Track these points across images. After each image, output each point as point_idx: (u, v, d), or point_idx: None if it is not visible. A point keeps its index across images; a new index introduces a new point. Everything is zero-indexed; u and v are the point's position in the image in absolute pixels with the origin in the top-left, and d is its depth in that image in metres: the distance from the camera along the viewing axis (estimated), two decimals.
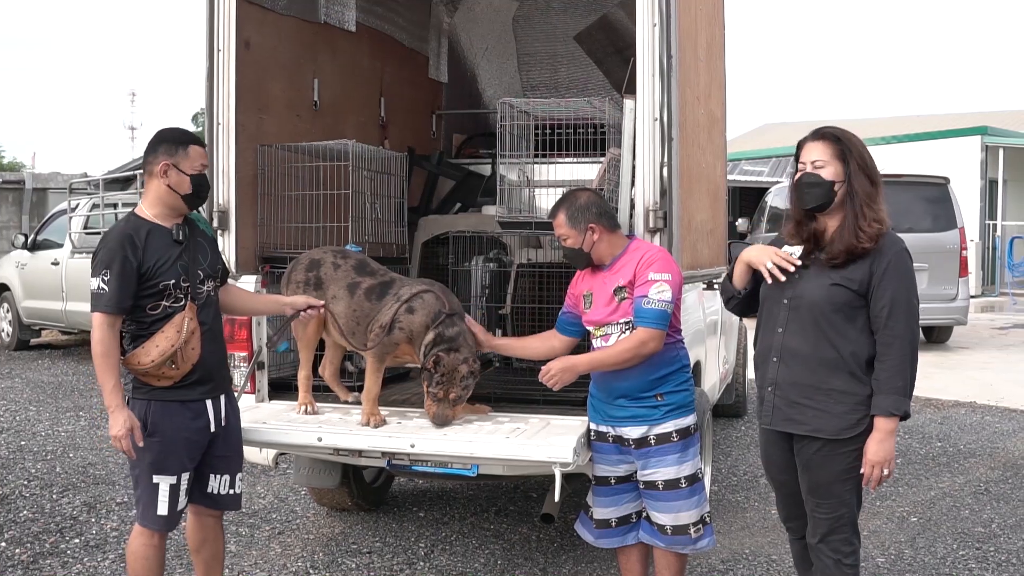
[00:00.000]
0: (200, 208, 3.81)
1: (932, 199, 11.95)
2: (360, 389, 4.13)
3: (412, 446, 3.75)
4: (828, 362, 3.15)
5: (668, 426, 3.56)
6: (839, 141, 3.19)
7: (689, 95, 4.32)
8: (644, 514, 3.69)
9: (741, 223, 15.46)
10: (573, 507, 4.94)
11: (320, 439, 3.86)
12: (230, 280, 3.85)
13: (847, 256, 3.13)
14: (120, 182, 12.86)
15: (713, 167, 5.11)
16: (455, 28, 7.23)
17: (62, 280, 11.50)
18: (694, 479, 3.60)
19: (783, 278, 3.21)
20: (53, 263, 11.73)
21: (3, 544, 4.98)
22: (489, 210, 5.45)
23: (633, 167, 4.15)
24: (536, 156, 4.82)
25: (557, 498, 3.62)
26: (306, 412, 4.19)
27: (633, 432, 3.57)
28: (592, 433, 3.72)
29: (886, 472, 3.11)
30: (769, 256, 3.23)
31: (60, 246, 11.83)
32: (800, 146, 3.29)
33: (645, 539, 3.70)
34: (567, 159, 4.98)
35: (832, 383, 3.15)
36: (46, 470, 6.50)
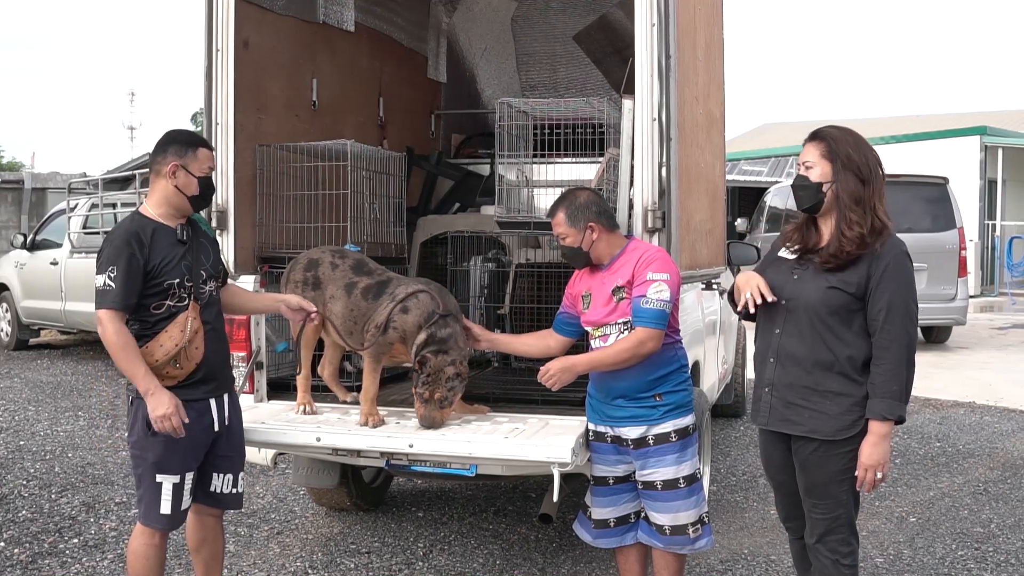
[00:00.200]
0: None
1: (931, 199, 11.96)
2: (359, 389, 4.13)
3: (411, 446, 3.75)
4: (824, 364, 3.15)
5: (667, 426, 3.56)
6: (826, 140, 3.18)
7: (688, 95, 4.32)
8: (642, 514, 3.69)
9: (740, 223, 15.47)
10: (572, 507, 4.93)
11: (319, 439, 3.85)
12: (228, 280, 3.86)
13: (835, 261, 3.12)
14: (119, 182, 12.86)
15: (712, 167, 5.10)
16: (454, 28, 7.22)
17: (61, 280, 11.50)
18: (692, 479, 3.60)
19: (752, 311, 3.21)
20: (52, 263, 11.73)
21: (2, 544, 4.98)
22: (488, 210, 5.45)
23: (632, 167, 4.15)
24: (535, 156, 4.82)
25: (556, 498, 3.62)
26: (305, 412, 4.19)
27: (632, 432, 3.57)
28: (590, 433, 3.71)
29: (879, 476, 3.10)
30: (751, 287, 3.22)
31: (59, 246, 11.83)
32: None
33: (643, 539, 3.70)
34: (566, 159, 4.98)
35: (828, 384, 3.15)
36: (45, 470, 6.50)
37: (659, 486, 3.57)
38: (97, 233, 11.26)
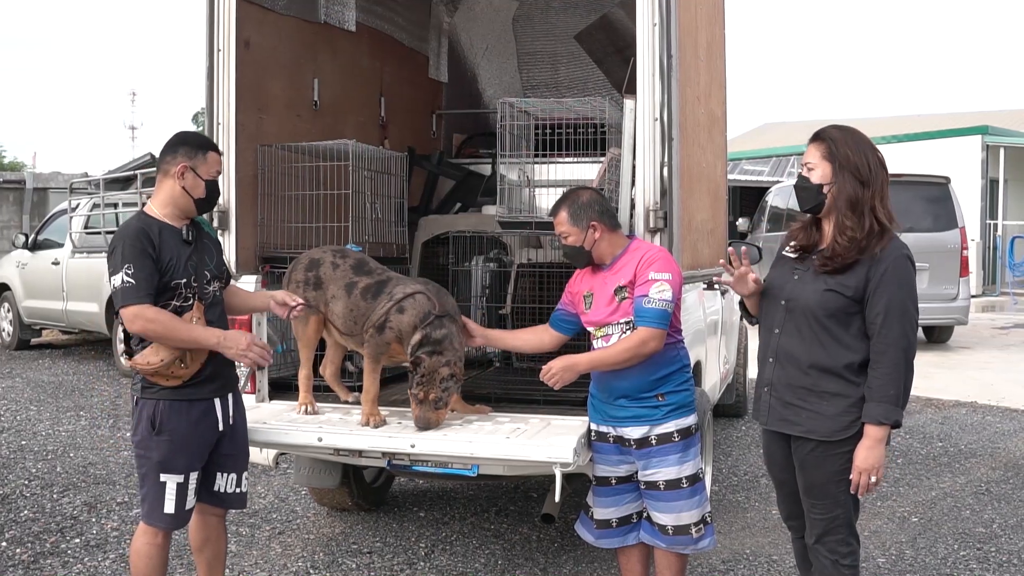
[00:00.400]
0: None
1: (933, 199, 11.96)
2: (361, 389, 4.13)
3: (412, 446, 3.75)
4: (821, 365, 3.14)
5: (669, 426, 3.55)
6: (826, 141, 3.17)
7: (689, 95, 4.32)
8: (645, 514, 3.69)
9: (741, 223, 15.49)
10: (573, 507, 4.93)
11: (320, 439, 3.85)
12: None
13: (831, 264, 3.11)
14: (120, 182, 12.83)
15: (713, 167, 5.10)
16: (455, 28, 7.22)
17: (63, 280, 11.51)
18: (695, 479, 3.60)
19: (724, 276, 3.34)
20: (54, 263, 11.74)
21: (4, 544, 4.98)
22: (489, 210, 5.44)
23: (633, 167, 4.14)
24: (536, 156, 4.82)
25: (557, 498, 3.62)
26: (306, 412, 4.19)
27: (634, 432, 3.57)
28: (592, 433, 3.71)
29: (873, 479, 3.09)
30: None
31: (61, 246, 11.84)
32: None
33: (646, 539, 3.70)
34: (567, 159, 4.98)
35: (825, 385, 3.14)
36: (47, 470, 6.50)
37: (662, 486, 3.57)
38: (99, 233, 11.25)
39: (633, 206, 4.16)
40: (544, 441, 3.65)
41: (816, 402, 3.15)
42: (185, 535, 3.88)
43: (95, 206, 11.65)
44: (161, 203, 3.45)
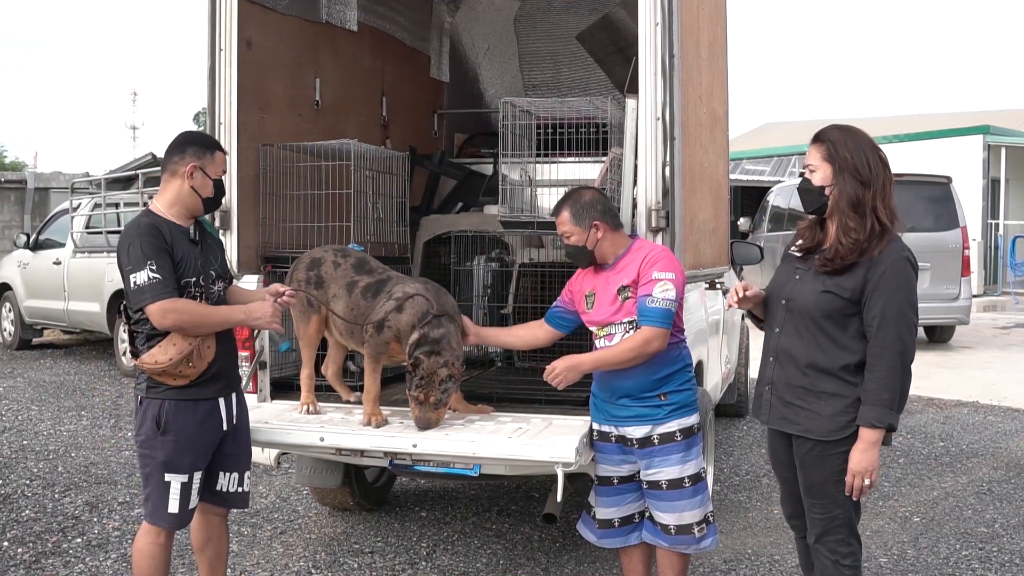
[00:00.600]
0: None
1: (934, 198, 11.95)
2: (363, 388, 4.13)
3: (414, 446, 3.74)
4: (818, 365, 3.15)
5: (672, 425, 3.55)
6: (826, 143, 3.17)
7: (691, 94, 4.31)
8: (647, 514, 3.69)
9: (743, 222, 15.50)
10: (575, 507, 4.93)
11: (322, 439, 3.85)
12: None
13: (831, 265, 3.11)
14: (122, 182, 12.86)
15: (715, 166, 5.10)
16: (457, 27, 7.22)
17: (64, 280, 11.51)
18: (697, 478, 3.60)
19: (731, 305, 3.38)
20: (55, 263, 11.74)
21: (5, 543, 4.98)
22: (491, 210, 5.44)
23: (635, 166, 4.14)
24: (538, 156, 4.82)
25: (559, 498, 3.61)
26: (308, 412, 4.19)
27: (637, 432, 3.56)
28: (595, 433, 3.71)
29: (868, 482, 3.08)
30: (733, 288, 3.36)
31: (62, 245, 11.84)
32: None
33: (648, 539, 3.70)
34: (569, 159, 4.98)
35: (822, 386, 3.14)
36: (48, 469, 6.50)
37: (664, 485, 3.57)
38: (100, 233, 11.27)
39: (635, 206, 4.16)
40: (546, 441, 3.65)
41: (814, 402, 3.16)
42: (187, 535, 3.89)
43: (96, 206, 11.66)
44: (168, 202, 3.45)
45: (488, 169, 6.28)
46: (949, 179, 12.25)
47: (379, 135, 6.01)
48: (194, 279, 3.40)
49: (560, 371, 3.54)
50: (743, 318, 7.97)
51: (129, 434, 7.42)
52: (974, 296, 14.67)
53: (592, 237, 3.63)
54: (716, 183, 5.16)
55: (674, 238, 3.98)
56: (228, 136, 4.44)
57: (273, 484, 6.10)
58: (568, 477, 3.60)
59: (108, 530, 5.22)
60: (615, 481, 3.69)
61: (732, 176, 16.11)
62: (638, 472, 3.64)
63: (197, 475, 3.46)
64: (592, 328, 3.70)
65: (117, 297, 10.18)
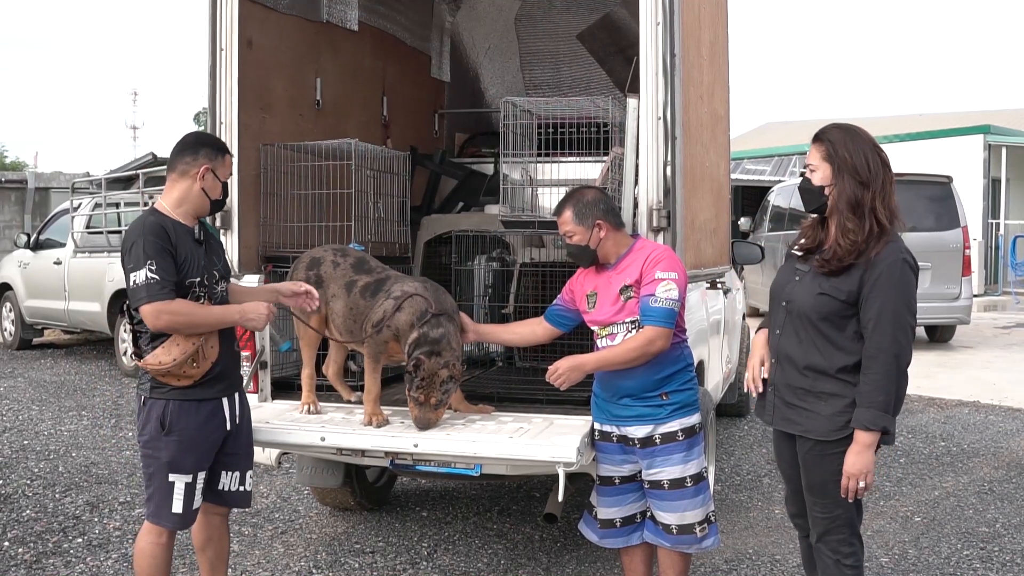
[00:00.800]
0: None
1: (935, 198, 11.95)
2: (364, 388, 4.13)
3: (415, 446, 3.74)
4: (817, 368, 3.15)
5: (673, 425, 3.55)
6: (825, 143, 3.16)
7: (692, 94, 4.31)
8: (648, 514, 3.68)
9: (744, 222, 15.49)
10: (576, 507, 4.93)
11: (323, 439, 3.85)
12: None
13: (829, 266, 3.10)
14: (122, 181, 12.86)
15: (716, 166, 5.09)
16: (457, 27, 7.22)
17: (64, 280, 11.51)
18: (699, 478, 3.60)
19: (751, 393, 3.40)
20: (56, 263, 11.74)
21: (6, 544, 4.98)
22: (492, 209, 5.44)
23: (636, 166, 4.14)
24: (539, 155, 4.82)
25: (560, 498, 3.61)
26: (309, 412, 4.18)
27: (638, 431, 3.56)
28: (596, 433, 3.71)
29: (862, 484, 3.08)
30: (751, 369, 3.38)
31: (62, 245, 11.84)
32: None
33: (650, 539, 3.69)
34: (570, 158, 4.98)
35: (822, 386, 3.14)
36: (49, 469, 6.50)
37: (666, 485, 3.56)
38: (100, 233, 11.27)
39: (636, 205, 4.16)
40: (547, 441, 3.64)
41: (814, 402, 3.16)
42: (187, 534, 3.89)
43: (97, 206, 11.66)
44: (175, 202, 3.45)
45: (489, 169, 6.28)
46: (950, 179, 12.25)
47: (380, 135, 6.01)
48: (198, 279, 3.40)
49: (563, 371, 3.54)
50: (744, 318, 7.97)
51: (130, 434, 7.42)
52: (975, 296, 14.66)
53: (595, 236, 3.62)
54: (717, 183, 5.16)
55: (675, 238, 3.97)
56: (229, 136, 4.44)
57: (274, 484, 6.09)
58: (569, 477, 3.59)
59: (109, 530, 5.22)
60: (617, 481, 3.68)
61: (733, 176, 16.11)
62: (640, 472, 3.64)
63: (201, 475, 3.46)
64: (594, 328, 3.70)
65: (117, 297, 10.19)
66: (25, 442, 7.33)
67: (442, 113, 7.11)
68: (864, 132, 3.20)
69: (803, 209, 3.30)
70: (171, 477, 3.39)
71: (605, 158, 4.55)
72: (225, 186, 3.54)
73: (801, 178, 3.28)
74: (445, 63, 7.12)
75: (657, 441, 3.55)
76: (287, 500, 5.77)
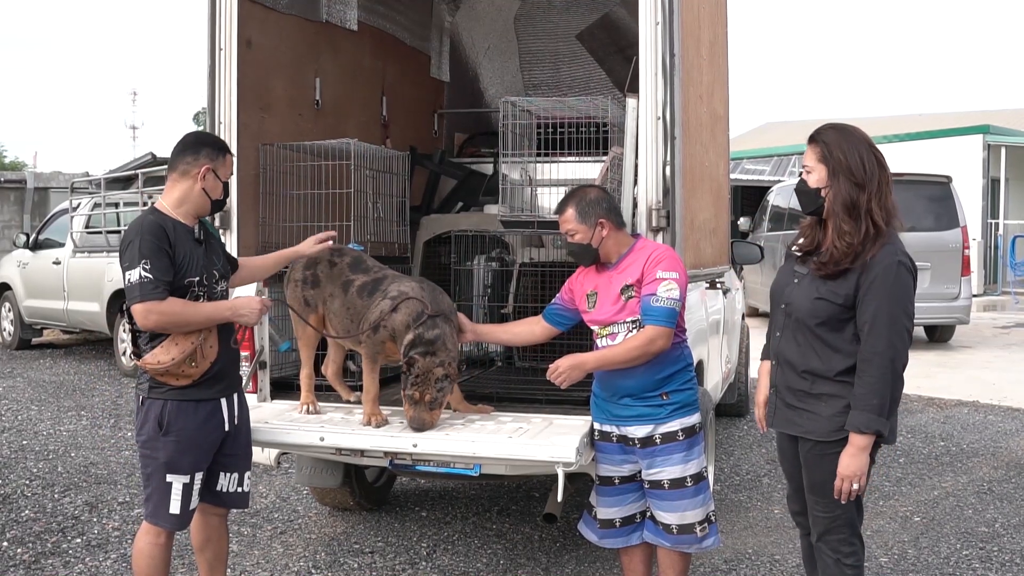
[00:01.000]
0: None
1: (934, 198, 11.95)
2: (363, 388, 4.13)
3: (414, 446, 3.74)
4: (815, 371, 3.15)
5: (674, 424, 3.55)
6: (820, 144, 3.15)
7: (692, 94, 4.31)
8: (648, 514, 3.68)
9: (743, 222, 15.49)
10: (575, 507, 4.93)
11: (322, 439, 3.85)
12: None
13: (825, 269, 3.09)
14: (122, 181, 12.85)
15: (716, 166, 5.09)
16: (457, 27, 7.22)
17: (64, 279, 11.50)
18: (699, 478, 3.60)
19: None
20: (55, 262, 11.73)
21: (5, 544, 4.98)
22: (491, 209, 5.44)
23: (636, 166, 4.14)
24: (538, 155, 4.82)
25: (560, 498, 3.61)
26: (308, 412, 4.18)
27: (639, 431, 3.56)
28: (596, 433, 3.71)
29: (856, 487, 3.08)
30: (758, 408, 3.46)
31: (62, 245, 11.83)
32: None
33: (650, 539, 3.69)
34: (569, 158, 4.98)
35: (821, 388, 3.15)
36: (48, 469, 6.50)
37: (666, 485, 3.56)
38: (100, 232, 11.26)
39: (635, 205, 4.16)
40: (546, 440, 3.64)
41: (814, 403, 3.17)
42: (186, 535, 3.88)
43: (96, 206, 11.66)
44: (175, 202, 3.45)
45: (488, 168, 6.28)
46: (949, 179, 12.25)
47: (379, 135, 6.01)
48: (197, 278, 3.40)
49: (564, 370, 3.53)
50: (743, 318, 7.97)
51: (129, 434, 7.41)
52: (974, 296, 14.67)
53: (597, 235, 3.62)
54: (716, 183, 5.16)
55: (675, 237, 3.97)
56: (228, 136, 4.43)
57: (273, 484, 6.09)
58: (569, 477, 3.59)
59: (108, 530, 5.21)
60: (616, 481, 3.68)
61: (732, 176, 16.12)
62: (639, 472, 3.63)
63: (198, 476, 3.45)
64: (594, 327, 3.70)
65: (117, 297, 10.18)
66: (24, 442, 7.32)
67: (441, 113, 7.11)
68: (859, 132, 3.19)
69: (801, 211, 3.30)
70: (168, 477, 3.39)
71: (604, 158, 4.55)
72: (226, 186, 3.54)
73: (798, 180, 3.28)
74: (444, 63, 7.12)
75: (657, 441, 3.54)
76: (286, 500, 5.77)
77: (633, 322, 3.54)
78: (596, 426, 3.71)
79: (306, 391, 4.24)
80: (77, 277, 11.26)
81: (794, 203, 13.09)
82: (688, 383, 3.63)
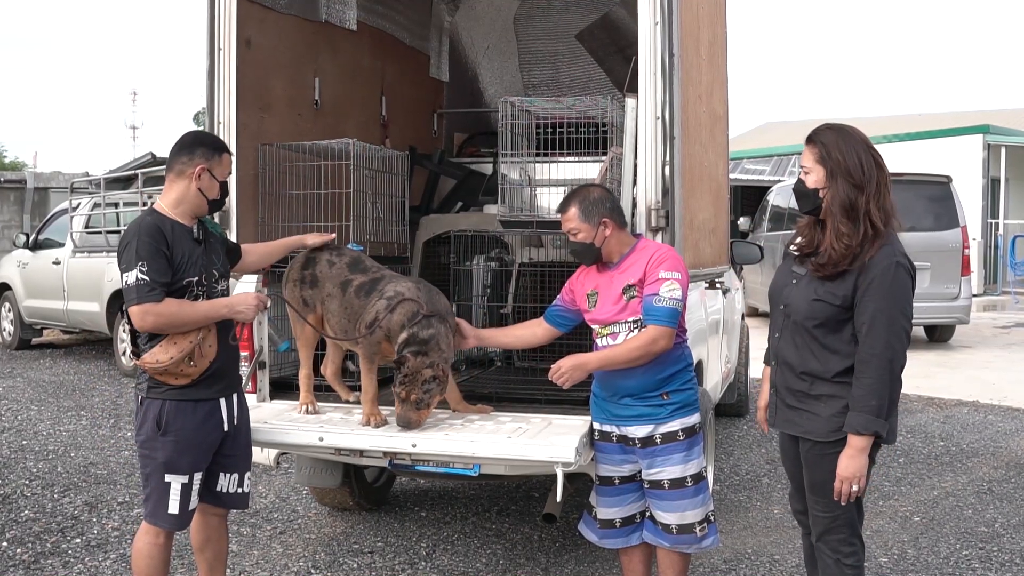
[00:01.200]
0: None
1: (934, 198, 11.95)
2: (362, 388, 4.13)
3: (414, 446, 3.74)
4: (813, 372, 3.16)
5: (674, 424, 3.55)
6: (818, 145, 3.14)
7: (691, 93, 4.31)
8: (648, 514, 3.68)
9: (743, 222, 15.50)
10: (575, 507, 4.93)
11: (322, 439, 3.85)
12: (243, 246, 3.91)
13: (823, 271, 3.09)
14: (121, 181, 12.85)
15: (715, 166, 5.09)
16: (456, 27, 7.22)
17: (63, 279, 11.50)
18: (699, 478, 3.60)
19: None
20: (55, 262, 11.73)
21: (5, 544, 4.97)
22: (491, 209, 5.44)
23: (635, 166, 4.14)
24: (538, 155, 4.81)
25: (559, 498, 3.61)
26: (307, 412, 4.18)
27: (639, 431, 3.56)
28: (596, 433, 3.70)
29: (855, 488, 3.08)
30: (760, 410, 3.49)
31: (62, 245, 11.83)
32: None
33: (649, 539, 3.69)
34: (569, 158, 4.97)
35: (819, 388, 3.15)
36: (47, 469, 6.50)
37: (666, 485, 3.56)
38: (99, 233, 11.26)
39: (635, 205, 4.15)
40: (546, 440, 3.64)
41: (813, 404, 3.17)
42: (186, 535, 3.88)
43: (96, 206, 11.66)
44: (173, 202, 3.45)
45: (488, 168, 6.28)
46: (949, 178, 12.25)
47: (379, 134, 6.01)
48: (196, 278, 3.40)
49: (566, 370, 3.53)
50: (743, 317, 7.97)
51: (128, 434, 7.41)
52: (974, 295, 14.67)
53: (600, 234, 3.61)
54: (716, 182, 5.16)
55: (674, 237, 3.97)
56: (227, 136, 4.43)
57: (272, 484, 6.09)
58: (568, 477, 3.59)
59: (107, 530, 5.21)
60: (616, 481, 3.68)
61: (732, 176, 16.12)
62: (639, 472, 3.63)
63: (197, 476, 3.45)
64: (594, 327, 3.69)
65: (116, 297, 10.18)
66: (24, 442, 7.32)
67: (441, 113, 7.11)
68: (857, 132, 3.18)
69: (799, 212, 3.30)
70: (167, 478, 3.39)
71: (604, 158, 4.54)
72: (224, 185, 3.53)
73: (797, 180, 3.28)
74: (444, 63, 7.12)
75: (658, 441, 3.54)
76: (286, 500, 5.77)
77: (635, 322, 3.54)
78: (596, 426, 3.70)
79: (305, 391, 4.24)
80: (77, 277, 11.26)
81: (794, 203, 13.09)
82: (688, 383, 3.63)
